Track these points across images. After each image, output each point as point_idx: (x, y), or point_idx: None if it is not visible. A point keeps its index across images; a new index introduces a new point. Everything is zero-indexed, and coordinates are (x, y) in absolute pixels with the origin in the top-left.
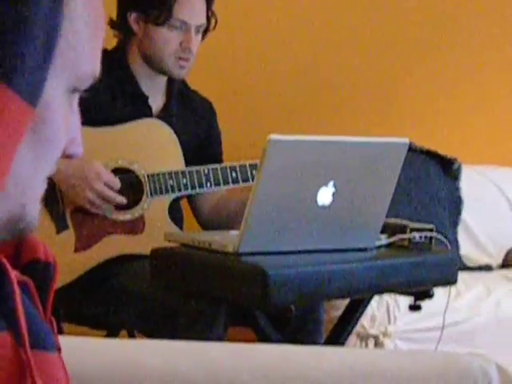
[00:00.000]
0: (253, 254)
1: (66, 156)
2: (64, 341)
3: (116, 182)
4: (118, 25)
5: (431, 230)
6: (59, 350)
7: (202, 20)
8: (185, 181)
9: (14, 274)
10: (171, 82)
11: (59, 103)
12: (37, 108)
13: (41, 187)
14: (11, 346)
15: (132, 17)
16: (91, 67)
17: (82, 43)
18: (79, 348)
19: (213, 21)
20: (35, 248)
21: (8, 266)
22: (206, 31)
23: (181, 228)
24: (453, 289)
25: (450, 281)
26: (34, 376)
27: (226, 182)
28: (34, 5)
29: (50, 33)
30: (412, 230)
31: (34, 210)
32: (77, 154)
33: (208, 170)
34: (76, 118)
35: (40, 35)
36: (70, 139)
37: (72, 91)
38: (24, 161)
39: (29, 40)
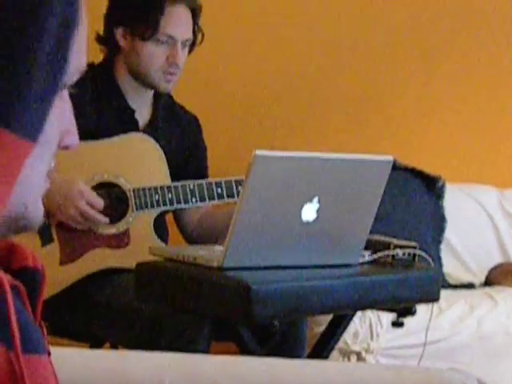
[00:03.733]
0: (237, 268)
1: (63, 148)
2: (51, 350)
3: (99, 202)
4: (105, 40)
5: (414, 248)
6: (49, 354)
7: (189, 34)
8: (170, 196)
9: (6, 278)
10: (157, 96)
11: (54, 105)
12: None
13: (42, 186)
14: (3, 355)
15: (119, 32)
16: (80, 62)
17: (75, 44)
18: (65, 358)
19: (199, 35)
20: (24, 256)
21: (0, 269)
22: (192, 45)
23: (166, 242)
24: (435, 306)
25: (433, 298)
26: (25, 383)
27: (211, 198)
28: (41, 39)
29: (57, 67)
30: (395, 246)
31: (37, 209)
32: (72, 144)
33: (193, 185)
34: (68, 109)
35: (46, 71)
36: (65, 131)
37: (63, 87)
38: (26, 162)
39: (31, 86)
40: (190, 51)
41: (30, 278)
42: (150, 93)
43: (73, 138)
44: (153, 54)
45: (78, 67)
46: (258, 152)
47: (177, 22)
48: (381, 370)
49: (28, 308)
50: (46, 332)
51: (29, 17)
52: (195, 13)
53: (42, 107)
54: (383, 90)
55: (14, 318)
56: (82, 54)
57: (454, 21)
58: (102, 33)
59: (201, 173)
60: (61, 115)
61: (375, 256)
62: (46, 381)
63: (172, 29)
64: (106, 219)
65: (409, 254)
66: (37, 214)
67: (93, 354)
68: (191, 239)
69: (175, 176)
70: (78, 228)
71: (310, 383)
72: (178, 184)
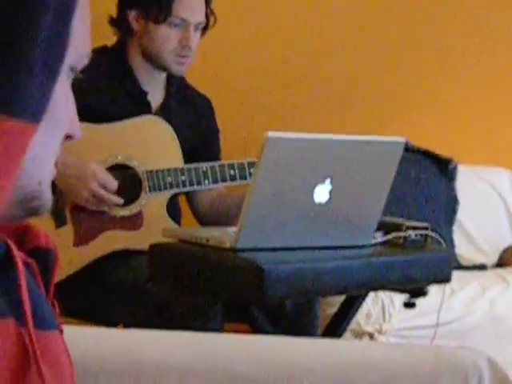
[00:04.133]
0: (250, 250)
1: (67, 137)
2: (65, 329)
3: (113, 183)
4: (118, 23)
5: (426, 229)
6: (61, 331)
7: (201, 17)
8: (183, 178)
9: (19, 255)
10: (170, 79)
11: (63, 85)
12: None
13: (52, 169)
14: (15, 331)
15: (132, 14)
16: (84, 46)
17: (78, 27)
18: (78, 337)
19: (212, 18)
20: (37, 236)
21: (14, 246)
22: (205, 29)
23: (179, 224)
24: (447, 287)
25: (445, 279)
26: (37, 358)
27: (224, 180)
28: (38, 25)
29: (58, 45)
30: (407, 228)
31: (48, 190)
32: (76, 134)
33: (206, 167)
34: (72, 98)
35: (46, 50)
36: (70, 119)
37: (70, 70)
38: (38, 142)
39: (32, 66)
40: (202, 34)
41: (42, 257)
42: (163, 75)
43: (76, 128)
44: (166, 37)
45: (84, 52)
46: (271, 134)
47: (190, 5)
48: (391, 349)
49: (41, 286)
50: (58, 310)
51: None
52: None
53: (44, 85)
54: (394, 72)
55: (25, 294)
56: (87, 38)
57: None
58: (114, 15)
59: (213, 155)
60: (67, 99)
61: (387, 237)
62: (57, 357)
63: (185, 12)
64: (119, 200)
65: (421, 236)
66: (48, 194)
67: (106, 332)
68: (204, 221)
69: (188, 158)
70: (92, 209)
71: (321, 361)
72: (191, 166)
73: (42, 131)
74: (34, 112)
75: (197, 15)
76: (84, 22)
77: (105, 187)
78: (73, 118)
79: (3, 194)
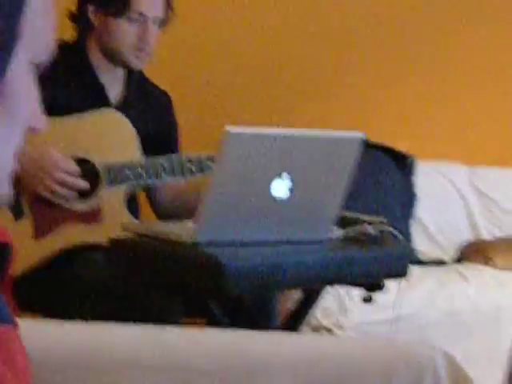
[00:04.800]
0: (209, 244)
1: (28, 130)
2: (23, 324)
3: (75, 168)
4: (77, 17)
5: (383, 223)
6: (16, 325)
7: (160, 12)
8: (141, 171)
9: None
10: (130, 74)
11: (22, 76)
12: (1, 84)
13: (10, 162)
14: None
15: (91, 9)
16: (49, 40)
17: (38, 17)
18: (38, 331)
19: (170, 13)
20: None
21: None
22: (164, 23)
23: (137, 218)
24: (405, 282)
25: (401, 273)
26: None
27: (182, 173)
28: None
29: (13, 16)
30: (364, 222)
31: (6, 183)
32: (38, 128)
33: (164, 160)
34: (35, 92)
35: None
36: (31, 113)
37: (31, 64)
38: None
39: None
40: (162, 29)
41: None
42: (123, 71)
43: (39, 120)
44: (124, 32)
45: (46, 46)
46: (230, 128)
47: (148, 0)
48: (346, 342)
49: None
50: (13, 304)
51: None
52: None
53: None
54: (356, 66)
55: None
56: (49, 33)
57: None
58: (74, 10)
59: (172, 149)
60: (29, 92)
61: (345, 232)
62: (13, 352)
63: (143, 6)
64: (86, 184)
65: (378, 230)
66: (6, 187)
67: (66, 326)
68: (163, 216)
69: (147, 152)
70: (51, 202)
71: (279, 354)
72: (150, 160)
73: None
74: None
75: (155, 10)
76: (45, 15)
77: (68, 172)
78: (35, 111)
79: None
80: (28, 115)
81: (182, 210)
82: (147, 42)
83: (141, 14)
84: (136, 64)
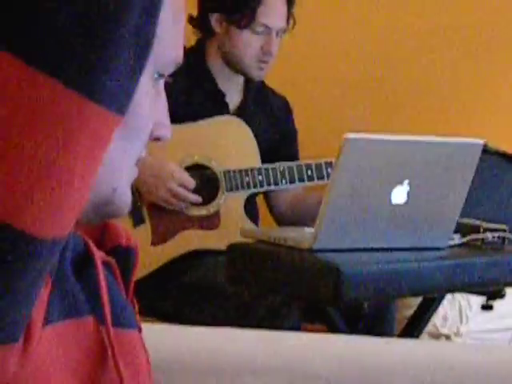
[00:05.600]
0: (327, 250)
1: (154, 138)
2: (143, 327)
3: (190, 181)
4: (199, 23)
5: (504, 231)
6: (140, 329)
7: (283, 23)
8: (260, 178)
9: (98, 255)
10: (248, 81)
11: (146, 91)
12: None
13: (131, 173)
14: (94, 329)
15: (214, 17)
16: (175, 53)
17: (166, 30)
18: (156, 336)
19: (291, 22)
20: (118, 234)
21: (93, 246)
22: (285, 31)
23: (256, 224)
24: None
25: None
26: (115, 356)
27: (301, 180)
28: (127, 9)
29: (144, 39)
30: (485, 230)
31: (125, 195)
32: (164, 136)
33: (284, 167)
34: (163, 102)
35: (132, 43)
36: (157, 123)
37: (157, 77)
38: (114, 147)
39: (119, 50)
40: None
41: (122, 256)
42: (241, 78)
43: (165, 131)
44: (248, 43)
45: (173, 58)
46: (349, 135)
47: (273, 12)
48: (470, 350)
49: (120, 284)
50: (137, 309)
51: None
52: (291, 1)
53: (128, 81)
54: (471, 72)
55: (104, 292)
56: (178, 45)
57: None
58: (194, 15)
59: (291, 156)
60: (154, 104)
61: (465, 239)
62: (135, 355)
63: (268, 18)
64: (198, 198)
65: (498, 237)
66: (125, 199)
67: (183, 331)
68: (282, 221)
69: (266, 159)
70: (169, 209)
71: (398, 361)
72: (269, 166)
73: (119, 135)
74: (119, 103)
75: (279, 21)
76: (176, 28)
77: (183, 186)
78: (162, 121)
79: (88, 180)
80: (149, 127)
81: (301, 217)
82: (270, 54)
83: (265, 25)
84: (258, 75)
